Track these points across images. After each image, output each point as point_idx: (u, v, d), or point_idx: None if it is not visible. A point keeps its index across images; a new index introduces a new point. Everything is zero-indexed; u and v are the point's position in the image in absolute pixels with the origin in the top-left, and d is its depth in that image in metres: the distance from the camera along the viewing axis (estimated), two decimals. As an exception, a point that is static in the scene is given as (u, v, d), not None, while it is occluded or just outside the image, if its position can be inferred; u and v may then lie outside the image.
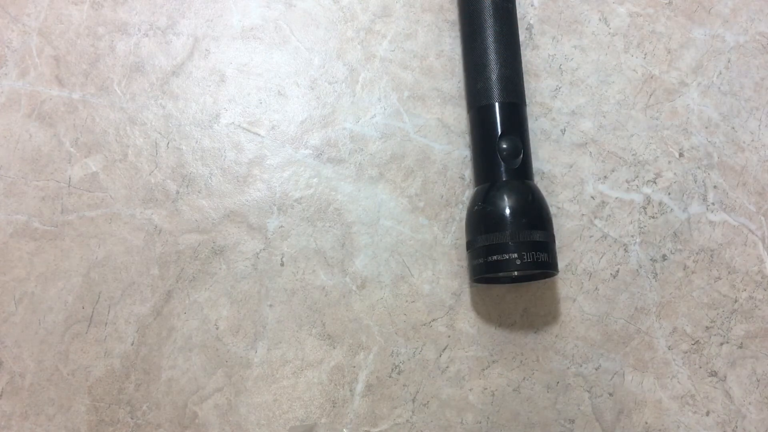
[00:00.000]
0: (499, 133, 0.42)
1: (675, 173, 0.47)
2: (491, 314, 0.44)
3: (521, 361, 0.44)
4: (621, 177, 0.46)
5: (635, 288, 0.45)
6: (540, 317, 0.44)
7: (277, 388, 0.43)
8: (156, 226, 0.45)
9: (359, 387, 0.43)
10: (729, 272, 0.45)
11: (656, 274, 0.45)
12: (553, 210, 0.45)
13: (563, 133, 0.47)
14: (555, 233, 0.43)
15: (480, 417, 0.43)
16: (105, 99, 0.47)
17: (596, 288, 0.45)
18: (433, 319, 0.44)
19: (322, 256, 0.45)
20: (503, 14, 0.44)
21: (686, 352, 0.44)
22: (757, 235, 0.46)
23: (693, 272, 0.45)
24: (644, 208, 0.46)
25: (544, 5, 0.49)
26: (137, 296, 0.44)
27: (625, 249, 0.45)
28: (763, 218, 0.46)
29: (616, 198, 0.46)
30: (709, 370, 0.44)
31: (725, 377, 0.44)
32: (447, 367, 0.43)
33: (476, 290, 0.45)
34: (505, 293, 0.45)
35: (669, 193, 0.46)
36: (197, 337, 0.43)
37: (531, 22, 0.49)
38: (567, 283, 0.45)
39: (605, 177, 0.46)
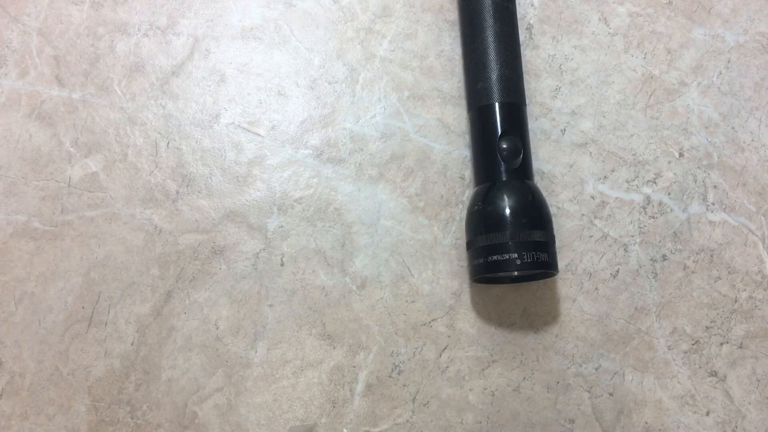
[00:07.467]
0: (499, 133, 0.42)
1: (675, 173, 0.47)
2: (491, 314, 0.44)
3: (521, 361, 0.44)
4: (621, 177, 0.46)
5: (635, 288, 0.45)
6: (540, 317, 0.44)
7: (277, 388, 0.43)
8: (156, 226, 0.45)
9: (359, 387, 0.43)
10: (729, 272, 0.45)
11: (656, 274, 0.45)
12: (553, 210, 0.45)
13: (563, 133, 0.47)
14: (555, 233, 0.43)
15: (480, 417, 0.43)
16: (105, 99, 0.47)
17: (596, 288, 0.45)
18: (433, 319, 0.44)
19: (322, 256, 0.45)
20: (503, 14, 0.44)
21: (686, 352, 0.44)
22: (757, 235, 0.46)
23: (693, 272, 0.45)
24: (644, 208, 0.46)
25: (544, 5, 0.49)
26: (137, 296, 0.44)
27: (625, 249, 0.45)
28: (763, 218, 0.46)
29: (616, 198, 0.46)
30: (709, 370, 0.44)
31: (725, 377, 0.44)
32: (447, 367, 0.43)
33: (476, 290, 0.45)
34: (505, 293, 0.45)
35: (669, 193, 0.46)
36: (197, 337, 0.43)
37: (531, 22, 0.49)
38: (567, 283, 0.45)
39: (605, 177, 0.46)
